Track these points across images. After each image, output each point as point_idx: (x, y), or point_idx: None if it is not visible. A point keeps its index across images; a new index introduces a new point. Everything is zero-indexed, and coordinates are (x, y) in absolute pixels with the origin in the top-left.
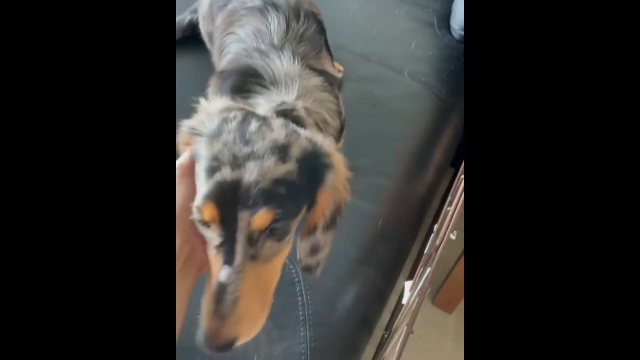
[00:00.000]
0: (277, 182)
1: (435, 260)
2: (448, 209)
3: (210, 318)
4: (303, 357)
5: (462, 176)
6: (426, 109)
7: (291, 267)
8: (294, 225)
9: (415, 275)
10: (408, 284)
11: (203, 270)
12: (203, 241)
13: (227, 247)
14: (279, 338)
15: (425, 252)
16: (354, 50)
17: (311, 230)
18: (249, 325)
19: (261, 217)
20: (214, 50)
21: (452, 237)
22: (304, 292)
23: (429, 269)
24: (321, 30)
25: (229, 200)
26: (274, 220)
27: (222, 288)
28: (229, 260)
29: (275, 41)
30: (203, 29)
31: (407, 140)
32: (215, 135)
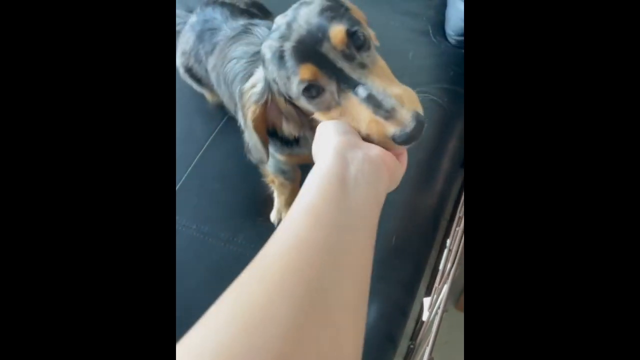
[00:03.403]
0: (326, 9)
1: (450, 277)
2: (457, 228)
3: (380, 121)
4: None
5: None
6: (429, 119)
7: None
8: (369, 33)
9: (433, 292)
10: (427, 301)
11: None
12: None
13: (342, 77)
14: None
15: (440, 268)
16: None
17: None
18: (414, 99)
19: (335, 31)
20: (216, 85)
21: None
22: None
23: (445, 287)
24: None
25: (307, 48)
26: (348, 32)
27: (369, 96)
28: (352, 83)
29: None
30: (182, 62)
31: (412, 152)
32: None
